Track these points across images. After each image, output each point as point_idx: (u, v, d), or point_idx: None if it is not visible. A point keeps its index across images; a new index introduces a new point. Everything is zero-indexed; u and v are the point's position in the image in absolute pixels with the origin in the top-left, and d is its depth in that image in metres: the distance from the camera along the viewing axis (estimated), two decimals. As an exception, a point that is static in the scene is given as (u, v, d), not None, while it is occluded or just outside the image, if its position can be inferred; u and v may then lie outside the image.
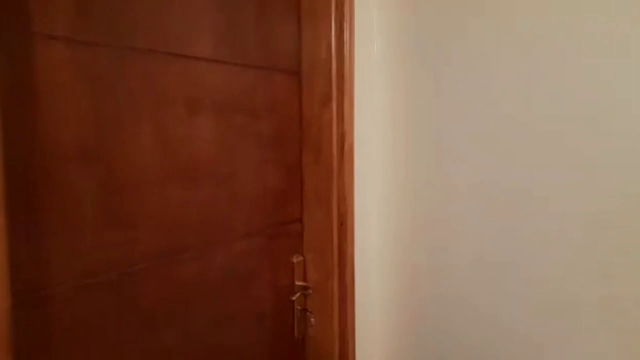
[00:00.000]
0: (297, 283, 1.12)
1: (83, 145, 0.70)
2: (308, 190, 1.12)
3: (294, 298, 1.10)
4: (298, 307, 1.12)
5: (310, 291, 1.12)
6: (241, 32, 0.94)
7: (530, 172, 0.98)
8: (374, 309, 1.22)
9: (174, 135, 0.82)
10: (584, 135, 0.92)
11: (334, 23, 1.05)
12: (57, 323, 0.69)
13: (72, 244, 0.69)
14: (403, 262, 1.18)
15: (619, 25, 0.87)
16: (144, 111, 0.77)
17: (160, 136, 0.80)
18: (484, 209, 1.04)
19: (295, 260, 1.12)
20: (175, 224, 0.84)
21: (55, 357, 0.68)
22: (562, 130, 0.94)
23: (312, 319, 1.12)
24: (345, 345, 1.12)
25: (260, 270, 1.03)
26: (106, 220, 0.73)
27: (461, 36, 1.05)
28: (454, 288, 1.10)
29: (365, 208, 1.15)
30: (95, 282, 0.73)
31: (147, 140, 0.78)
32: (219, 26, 0.89)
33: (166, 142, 0.81)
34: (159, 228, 0.81)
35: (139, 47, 0.76)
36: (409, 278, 1.17)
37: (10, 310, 0.53)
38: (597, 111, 0.90)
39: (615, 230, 0.90)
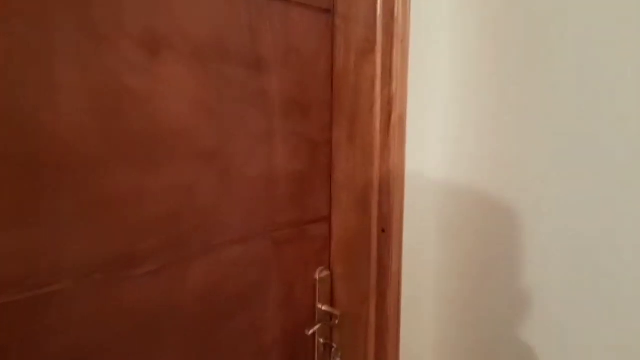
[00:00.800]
0: (320, 307, 0.81)
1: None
2: (339, 179, 0.80)
3: (314, 329, 0.79)
4: (320, 340, 0.82)
5: (337, 320, 0.80)
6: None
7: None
8: (428, 350, 0.88)
9: (122, 91, 0.54)
10: None
11: None
12: None
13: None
14: (473, 287, 0.82)
15: None
16: (69, 49, 0.49)
17: (100, 90, 0.52)
18: (596, 204, 0.67)
19: (318, 275, 0.81)
20: (124, 223, 0.56)
21: None
22: None
23: (339, 359, 0.81)
24: (385, 397, 0.80)
25: (264, 288, 0.73)
26: (4, 217, 0.47)
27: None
28: (548, 329, 0.74)
29: (419, 208, 0.81)
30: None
31: (77, 96, 0.50)
32: None
33: (110, 101, 0.53)
34: (96, 228, 0.53)
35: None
36: (481, 310, 0.82)
37: None
38: None
39: None
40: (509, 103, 0.74)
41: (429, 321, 0.88)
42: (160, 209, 0.59)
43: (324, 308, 0.80)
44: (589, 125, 0.67)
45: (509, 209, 0.76)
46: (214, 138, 0.64)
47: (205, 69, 0.62)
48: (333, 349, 0.81)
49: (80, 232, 0.52)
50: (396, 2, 0.73)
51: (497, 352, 0.81)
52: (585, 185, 0.68)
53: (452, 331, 0.86)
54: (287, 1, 0.70)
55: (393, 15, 0.73)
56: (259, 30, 0.67)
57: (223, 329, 0.68)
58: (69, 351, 0.52)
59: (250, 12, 0.66)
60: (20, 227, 0.48)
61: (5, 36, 0.45)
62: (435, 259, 0.86)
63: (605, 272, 0.68)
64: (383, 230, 0.75)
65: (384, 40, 0.74)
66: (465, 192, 0.81)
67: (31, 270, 0.49)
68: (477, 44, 0.77)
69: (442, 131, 0.82)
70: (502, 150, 0.76)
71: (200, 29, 0.60)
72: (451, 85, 0.80)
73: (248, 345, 0.72)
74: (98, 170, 0.53)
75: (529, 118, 0.72)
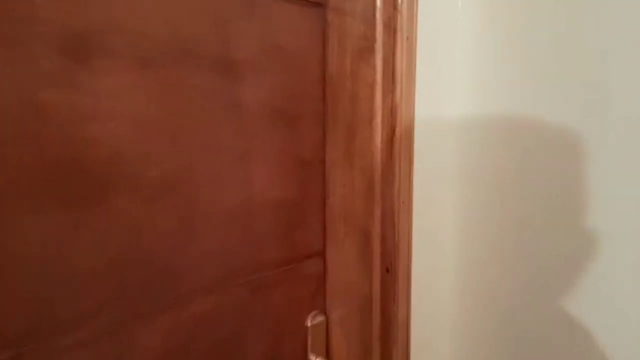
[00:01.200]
0: (313, 359, 0.67)
1: None
2: (334, 207, 0.67)
3: (306, 385, 0.66)
4: (314, 398, 0.68)
5: (334, 376, 0.67)
6: None
7: None
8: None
9: (37, 109, 0.41)
10: None
11: None
12: None
13: None
14: (494, 338, 0.68)
15: None
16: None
17: (3, 109, 0.39)
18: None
19: (311, 321, 0.67)
20: (42, 281, 0.43)
21: None
22: None
23: (337, 423, 0.67)
24: None
25: (243, 343, 0.60)
26: None
27: None
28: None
29: (431, 244, 0.67)
30: None
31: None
32: None
33: (19, 121, 0.40)
34: (3, 290, 0.40)
35: None
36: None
37: None
38: None
39: None
40: (534, 120, 0.61)
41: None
42: (96, 258, 0.46)
43: (318, 361, 0.67)
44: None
45: (529, 257, 0.62)
46: (173, 163, 0.51)
47: (158, 77, 0.49)
48: (329, 412, 0.67)
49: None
50: (400, -9, 0.60)
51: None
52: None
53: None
54: (267, -8, 0.58)
55: (396, 7, 0.60)
56: (232, 27, 0.54)
57: (190, 398, 0.55)
58: None
59: (220, 4, 0.53)
60: None
61: None
62: (452, 302, 0.72)
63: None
64: (387, 270, 0.61)
65: (385, 37, 0.60)
66: (485, 224, 0.67)
67: None
68: (498, 41, 0.64)
69: (457, 149, 0.69)
70: (525, 180, 0.62)
71: (150, 26, 0.47)
72: (468, 92, 0.67)
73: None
74: (2, 212, 0.40)
75: (562, 142, 0.59)
